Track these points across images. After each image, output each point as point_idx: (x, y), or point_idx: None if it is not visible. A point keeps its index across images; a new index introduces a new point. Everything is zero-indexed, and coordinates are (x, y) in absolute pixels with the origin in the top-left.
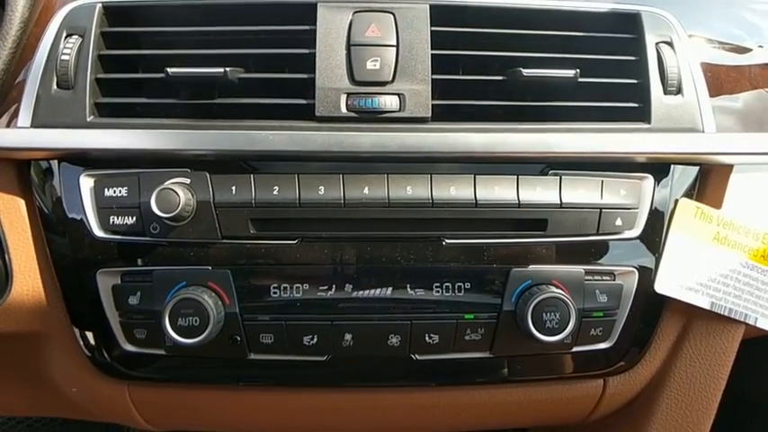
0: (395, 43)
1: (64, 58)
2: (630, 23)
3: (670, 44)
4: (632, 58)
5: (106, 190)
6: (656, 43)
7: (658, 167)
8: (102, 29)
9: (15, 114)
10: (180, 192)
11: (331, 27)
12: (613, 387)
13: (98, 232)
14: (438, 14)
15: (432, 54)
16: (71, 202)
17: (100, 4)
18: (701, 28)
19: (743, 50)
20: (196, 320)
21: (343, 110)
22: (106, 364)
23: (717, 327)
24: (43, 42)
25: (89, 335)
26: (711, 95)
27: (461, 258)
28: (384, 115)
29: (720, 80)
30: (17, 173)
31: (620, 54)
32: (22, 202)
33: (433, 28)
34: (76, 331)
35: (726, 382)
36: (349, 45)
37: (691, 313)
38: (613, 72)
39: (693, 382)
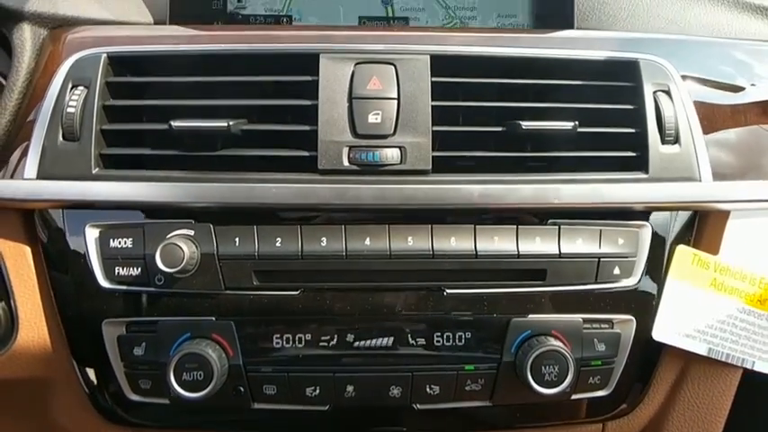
0: (396, 96)
1: (70, 110)
2: (628, 71)
3: (667, 92)
4: (630, 107)
5: (111, 241)
6: (654, 92)
7: (656, 216)
8: (107, 79)
9: (22, 164)
10: (184, 246)
11: (333, 79)
12: (612, 430)
13: (103, 282)
14: (438, 65)
15: (432, 105)
16: (76, 251)
17: (105, 55)
18: (694, 68)
19: (736, 89)
20: (200, 375)
21: (346, 163)
22: (110, 410)
23: (714, 370)
24: (49, 93)
25: (94, 382)
26: (706, 133)
27: (462, 308)
28: (386, 168)
29: (715, 120)
30: (23, 221)
31: (619, 103)
32: (28, 250)
33: (434, 79)
34: (81, 378)
35: (725, 424)
36: (351, 97)
37: (688, 358)
38: (612, 121)
39: (692, 425)
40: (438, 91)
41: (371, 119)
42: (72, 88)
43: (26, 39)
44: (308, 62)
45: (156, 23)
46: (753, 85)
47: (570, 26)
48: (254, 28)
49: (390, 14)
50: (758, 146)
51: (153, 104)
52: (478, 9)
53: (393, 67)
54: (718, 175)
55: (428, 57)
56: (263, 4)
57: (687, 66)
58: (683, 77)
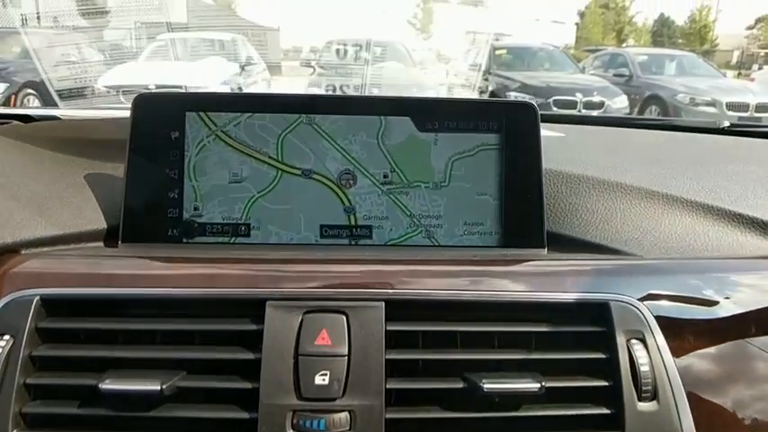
0: (346, 353)
1: None
2: (599, 315)
3: (642, 340)
4: (602, 356)
5: None
6: (628, 340)
7: None
8: (37, 323)
9: None
10: None
11: (279, 330)
12: None
13: None
14: (394, 312)
15: (386, 358)
16: None
17: (38, 298)
18: (663, 284)
19: (710, 303)
20: None
21: (289, 430)
22: None
23: None
24: None
25: None
26: (679, 356)
27: None
28: None
29: (688, 336)
30: None
31: (589, 351)
32: None
33: (389, 327)
34: None
35: None
36: (297, 353)
37: None
38: (583, 371)
39: None
40: (393, 340)
41: (318, 380)
42: None
43: None
44: (254, 308)
45: (109, 230)
46: (727, 298)
47: (540, 237)
48: (201, 262)
49: (353, 223)
50: (740, 361)
51: (84, 355)
52: (444, 217)
53: (344, 317)
54: (705, 428)
55: (383, 304)
56: (220, 212)
57: (655, 278)
58: (650, 294)
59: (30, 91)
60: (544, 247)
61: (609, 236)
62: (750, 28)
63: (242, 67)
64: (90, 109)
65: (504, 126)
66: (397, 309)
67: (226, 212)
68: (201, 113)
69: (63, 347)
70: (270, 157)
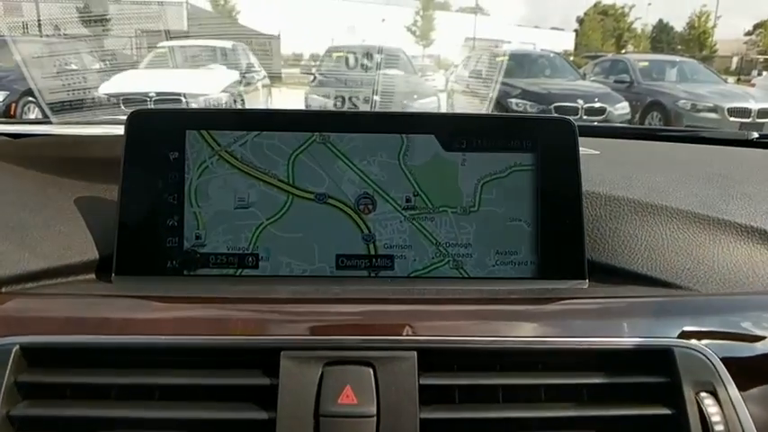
0: (374, 413)
1: None
2: (660, 363)
3: (713, 393)
4: (667, 412)
5: None
6: (696, 393)
7: None
8: (17, 376)
9: None
10: None
11: (296, 386)
12: None
13: None
14: (427, 362)
15: (421, 418)
16: None
17: (17, 347)
18: (729, 323)
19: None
20: None
21: None
22: None
23: None
24: None
25: None
26: (754, 409)
27: None
28: None
29: (763, 384)
30: None
31: (650, 407)
32: None
33: (423, 381)
34: None
35: None
36: (318, 413)
37: None
38: (642, 430)
39: None
40: (428, 397)
41: None
42: None
43: None
44: (267, 359)
45: (101, 261)
46: None
47: (580, 268)
48: (204, 303)
49: (373, 252)
50: None
51: (70, 415)
52: (474, 245)
53: (371, 370)
54: None
55: (415, 354)
56: (224, 241)
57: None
58: (719, 337)
59: (30, 99)
60: (585, 279)
61: (657, 266)
62: (749, 34)
63: (242, 75)
64: (86, 125)
65: (538, 144)
66: (431, 358)
67: (231, 241)
68: (203, 132)
69: (46, 405)
70: (280, 180)
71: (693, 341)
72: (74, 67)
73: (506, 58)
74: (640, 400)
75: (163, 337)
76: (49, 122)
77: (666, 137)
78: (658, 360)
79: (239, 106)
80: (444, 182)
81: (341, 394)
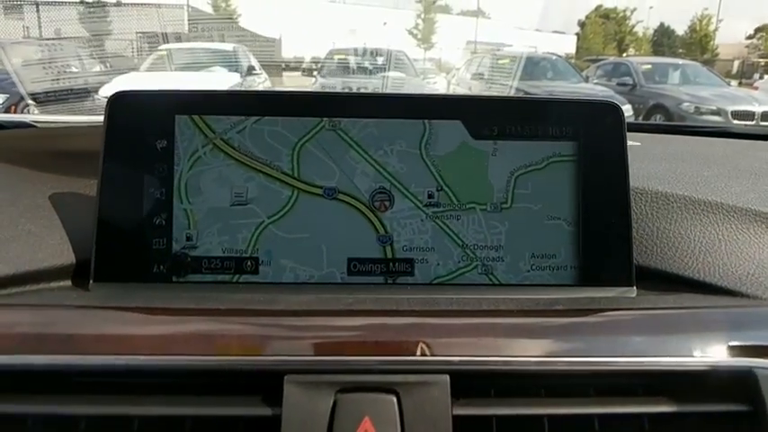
0: None
1: None
2: (738, 387)
3: None
4: None
5: None
6: None
7: None
8: None
9: None
10: None
11: (303, 418)
12: None
13: None
14: (460, 387)
15: None
16: None
17: None
18: None
19: None
20: None
21: None
22: None
23: None
24: None
25: None
26: None
27: None
28: None
29: None
30: None
31: None
32: None
33: (457, 411)
34: None
35: None
36: None
37: None
38: None
39: None
40: (461, 427)
41: None
42: None
43: None
44: (267, 384)
45: (78, 266)
46: None
47: (627, 273)
48: (194, 315)
49: (390, 255)
50: None
51: None
52: (506, 248)
53: (395, 398)
54: None
55: (447, 378)
56: (219, 243)
57: None
58: None
59: (30, 102)
60: (633, 286)
61: (714, 271)
62: (750, 37)
63: (243, 77)
64: (68, 114)
65: (581, 132)
66: (465, 383)
67: (227, 243)
68: (195, 117)
69: None
70: (283, 173)
71: None
72: (74, 69)
73: (524, 56)
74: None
75: (144, 357)
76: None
77: (692, 132)
78: (735, 384)
79: None
80: (472, 175)
81: (358, 428)
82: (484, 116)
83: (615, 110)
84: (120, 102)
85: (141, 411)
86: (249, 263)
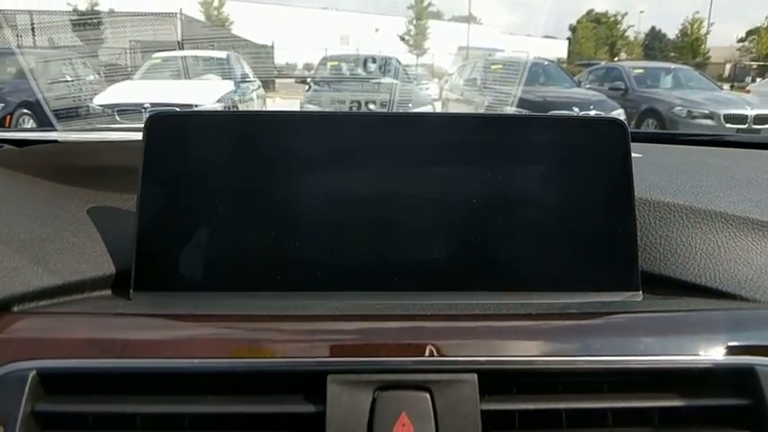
0: None
1: None
2: (740, 383)
3: None
4: None
5: None
6: None
7: None
8: (34, 406)
9: None
10: None
11: (346, 414)
12: None
13: None
14: (487, 385)
15: None
16: None
17: (34, 372)
18: None
19: None
20: None
21: None
22: None
23: None
24: None
25: None
26: None
27: None
28: None
29: None
30: None
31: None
32: None
33: (484, 406)
34: None
35: None
36: None
37: None
38: None
39: None
40: (488, 420)
41: None
42: None
43: None
44: (311, 384)
45: (119, 275)
46: None
47: (634, 278)
48: (238, 321)
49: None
50: None
51: None
52: (520, 255)
53: (428, 395)
54: None
55: (475, 377)
56: (255, 251)
57: None
58: None
59: (25, 111)
60: (638, 290)
61: (715, 276)
62: (742, 41)
63: (237, 85)
64: (91, 131)
65: (588, 147)
66: (491, 381)
67: (263, 251)
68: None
69: None
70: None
71: None
72: (73, 76)
73: (530, 58)
74: (719, 425)
75: (193, 360)
76: (54, 129)
77: (689, 141)
78: (739, 380)
79: None
80: (485, 184)
81: (396, 422)
82: (494, 133)
83: (620, 126)
84: (157, 122)
85: (192, 409)
86: (287, 269)
